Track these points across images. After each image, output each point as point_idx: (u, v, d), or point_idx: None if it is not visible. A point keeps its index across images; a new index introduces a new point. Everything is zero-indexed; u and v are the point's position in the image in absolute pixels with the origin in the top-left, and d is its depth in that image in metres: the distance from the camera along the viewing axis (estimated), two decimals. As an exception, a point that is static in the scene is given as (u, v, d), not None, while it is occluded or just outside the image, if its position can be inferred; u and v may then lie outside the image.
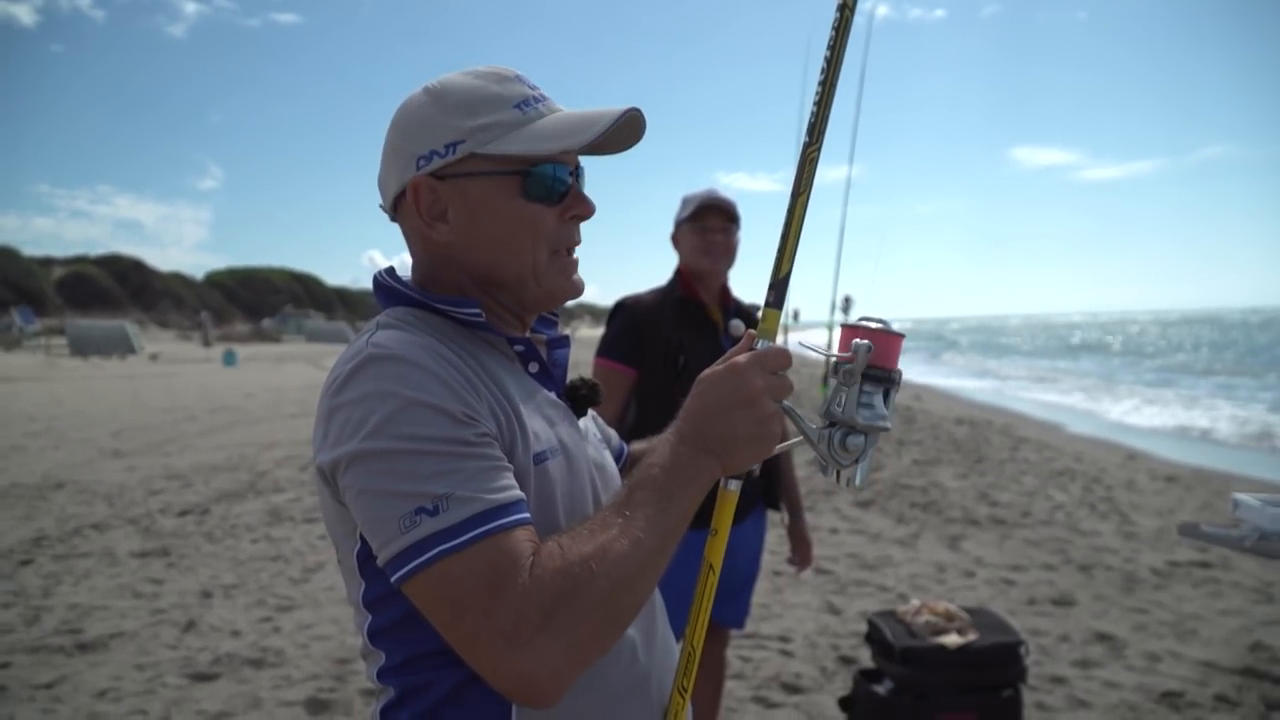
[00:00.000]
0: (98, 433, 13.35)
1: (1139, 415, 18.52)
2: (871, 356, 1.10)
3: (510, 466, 1.08)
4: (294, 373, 28.80)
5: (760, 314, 1.16)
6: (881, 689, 3.09)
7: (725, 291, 3.22)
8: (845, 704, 3.33)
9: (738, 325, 3.19)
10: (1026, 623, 5.01)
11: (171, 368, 32.09)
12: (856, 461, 1.12)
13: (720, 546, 1.17)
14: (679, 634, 1.27)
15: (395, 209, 1.26)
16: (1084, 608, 5.33)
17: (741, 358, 1.12)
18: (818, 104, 1.15)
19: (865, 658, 4.39)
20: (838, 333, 1.18)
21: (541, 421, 1.19)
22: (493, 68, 1.24)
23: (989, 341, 73.08)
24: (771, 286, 1.16)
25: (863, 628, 4.87)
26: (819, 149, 1.15)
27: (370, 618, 1.15)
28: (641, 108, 1.21)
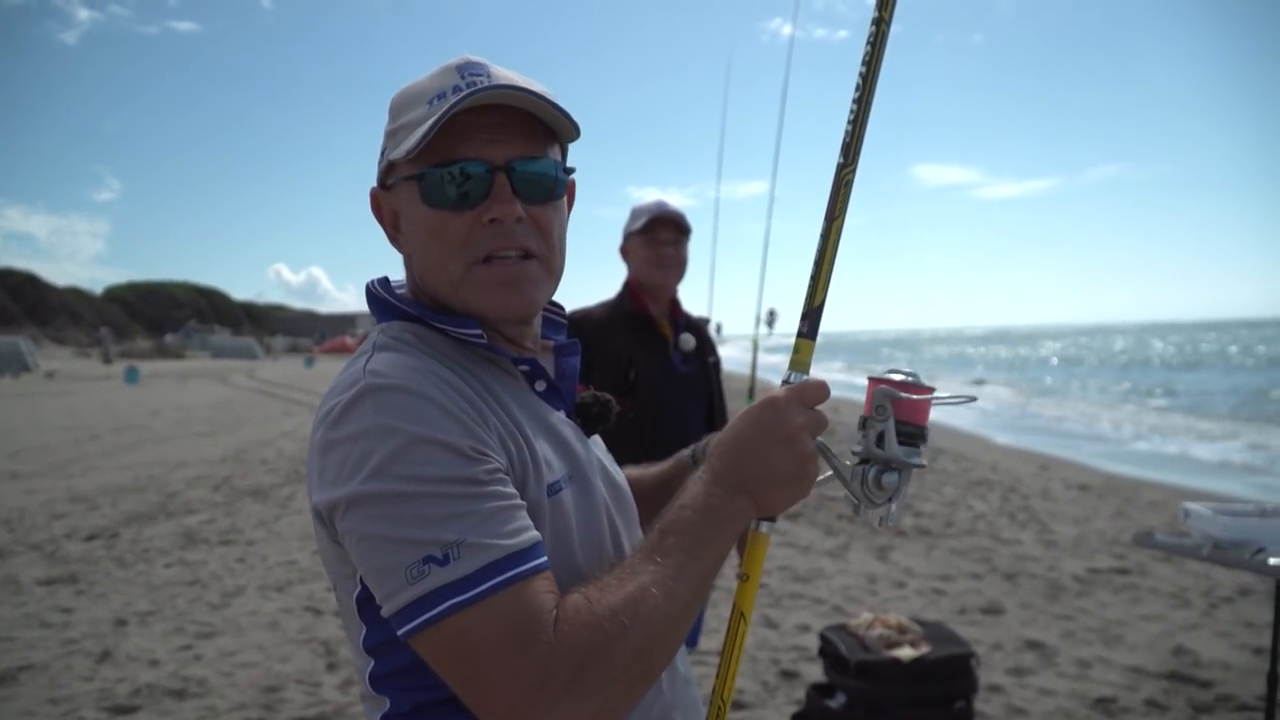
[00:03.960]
0: (-8, 454, 12.68)
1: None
2: (903, 413, 1.06)
3: (524, 504, 1.00)
4: (200, 390, 27.87)
5: (793, 345, 1.09)
6: (834, 703, 3.09)
7: (675, 305, 3.19)
8: (798, 720, 3.32)
9: (688, 339, 3.17)
10: (960, 632, 5.08)
11: (70, 385, 30.74)
12: (890, 500, 1.08)
13: (752, 592, 1.10)
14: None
15: None
16: (1013, 616, 5.44)
17: (780, 392, 1.05)
18: (853, 123, 1.07)
19: (807, 671, 4.39)
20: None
21: (552, 447, 1.12)
22: (457, 58, 1.13)
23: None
24: (805, 316, 1.08)
25: (800, 640, 4.88)
26: (854, 170, 1.08)
27: (372, 663, 1.06)
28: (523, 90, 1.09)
